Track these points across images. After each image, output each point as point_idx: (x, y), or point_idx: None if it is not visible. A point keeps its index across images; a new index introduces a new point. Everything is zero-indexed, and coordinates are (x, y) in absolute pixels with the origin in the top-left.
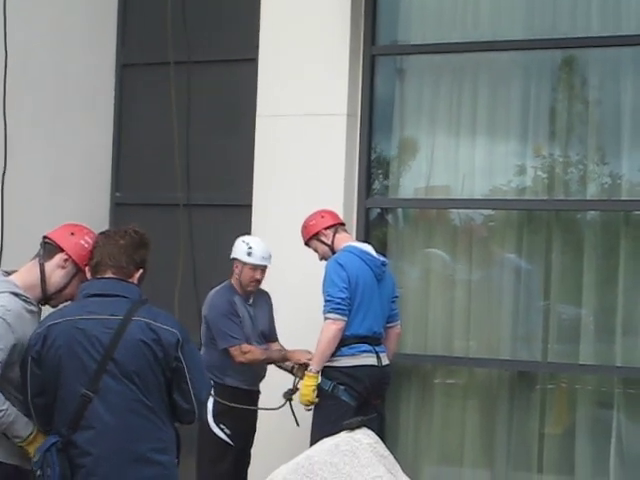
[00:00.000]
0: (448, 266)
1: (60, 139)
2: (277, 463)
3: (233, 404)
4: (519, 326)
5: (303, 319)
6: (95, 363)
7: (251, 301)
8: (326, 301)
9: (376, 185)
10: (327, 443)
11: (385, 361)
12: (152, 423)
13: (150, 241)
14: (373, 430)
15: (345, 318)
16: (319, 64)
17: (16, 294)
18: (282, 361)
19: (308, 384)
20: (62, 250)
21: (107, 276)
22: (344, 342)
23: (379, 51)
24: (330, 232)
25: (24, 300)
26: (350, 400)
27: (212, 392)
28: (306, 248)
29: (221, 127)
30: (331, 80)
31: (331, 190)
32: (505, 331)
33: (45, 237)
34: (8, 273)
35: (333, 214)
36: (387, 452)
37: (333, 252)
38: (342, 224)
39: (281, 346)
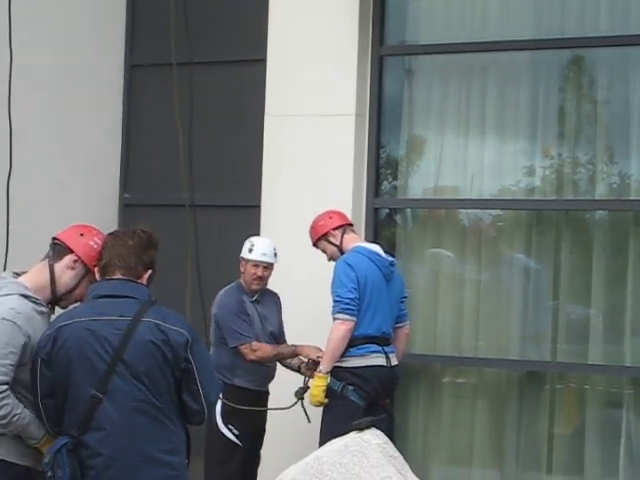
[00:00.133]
0: (457, 266)
1: (67, 139)
2: (286, 464)
3: (242, 407)
4: (528, 326)
5: (311, 319)
6: (105, 364)
7: (254, 298)
8: (335, 301)
9: (384, 185)
10: (336, 444)
11: (394, 361)
12: (161, 424)
13: (159, 242)
14: (382, 430)
15: (354, 318)
16: (327, 64)
17: (25, 296)
18: (292, 356)
19: (318, 385)
20: (72, 251)
21: (116, 277)
22: (353, 342)
23: (387, 51)
24: (338, 233)
25: (34, 302)
26: (359, 400)
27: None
28: (314, 248)
29: (228, 128)
30: (339, 80)
31: (339, 190)
32: (514, 331)
33: (54, 238)
34: (18, 274)
35: (341, 215)
36: (396, 452)
37: (341, 253)
38: (350, 225)
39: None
